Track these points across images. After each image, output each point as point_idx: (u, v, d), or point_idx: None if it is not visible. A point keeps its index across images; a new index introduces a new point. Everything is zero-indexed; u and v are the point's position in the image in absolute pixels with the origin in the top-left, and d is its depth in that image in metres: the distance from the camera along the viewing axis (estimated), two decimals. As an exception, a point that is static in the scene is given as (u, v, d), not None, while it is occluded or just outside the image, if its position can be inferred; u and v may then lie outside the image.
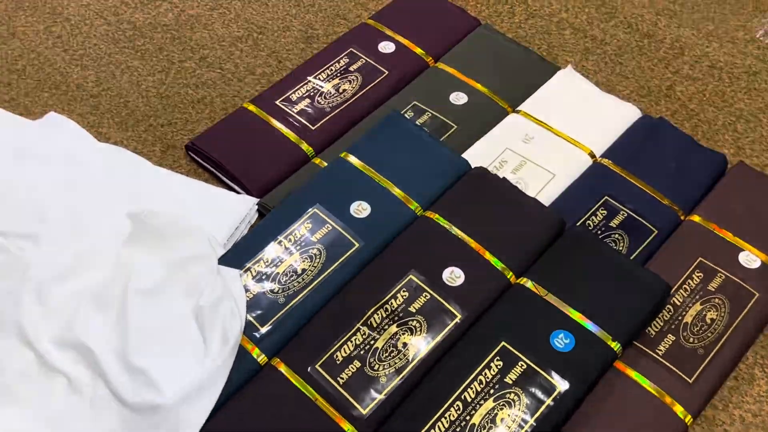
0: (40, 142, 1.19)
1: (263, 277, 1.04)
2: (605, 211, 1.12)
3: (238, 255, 1.06)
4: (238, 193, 1.18)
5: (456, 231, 1.07)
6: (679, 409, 0.94)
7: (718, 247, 1.08)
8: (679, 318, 1.01)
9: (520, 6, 1.47)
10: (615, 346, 0.96)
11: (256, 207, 1.15)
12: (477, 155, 1.20)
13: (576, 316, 0.98)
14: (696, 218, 1.11)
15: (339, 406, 0.93)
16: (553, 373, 0.94)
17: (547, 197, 1.15)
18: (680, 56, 1.38)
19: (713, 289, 1.04)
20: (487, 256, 1.05)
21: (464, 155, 1.20)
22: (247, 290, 1.03)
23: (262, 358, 0.98)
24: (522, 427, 0.90)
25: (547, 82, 1.30)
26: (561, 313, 0.99)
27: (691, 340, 0.99)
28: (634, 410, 0.94)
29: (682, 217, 1.13)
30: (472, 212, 1.09)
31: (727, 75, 1.35)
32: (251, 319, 1.01)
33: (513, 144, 1.21)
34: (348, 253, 1.06)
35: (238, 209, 1.13)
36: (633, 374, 0.97)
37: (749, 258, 1.07)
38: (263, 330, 1.00)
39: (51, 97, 1.34)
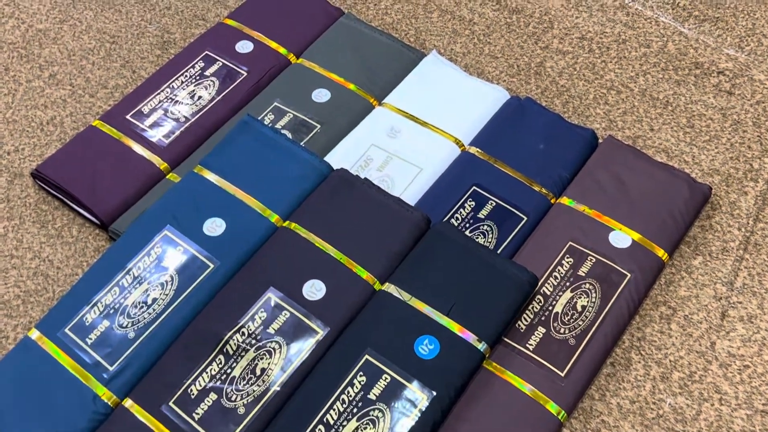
0: None
1: (111, 311, 0.96)
2: (473, 202, 1.07)
3: (84, 288, 0.99)
4: (91, 221, 1.10)
5: (316, 240, 1.01)
6: (552, 406, 0.90)
7: (588, 228, 1.04)
8: (549, 308, 0.97)
9: (386, -9, 1.41)
10: (482, 347, 0.92)
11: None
12: (341, 155, 1.14)
13: (441, 318, 0.93)
14: (566, 201, 1.07)
15: (196, 445, 0.87)
16: (418, 384, 0.89)
17: (414, 193, 1.10)
18: (549, 30, 1.34)
19: (583, 274, 1.00)
20: (350, 264, 0.99)
21: (328, 156, 1.14)
22: (93, 327, 0.96)
23: (113, 400, 0.91)
24: (386, 447, 0.85)
25: (412, 71, 1.24)
26: (425, 317, 0.94)
27: (562, 330, 0.95)
28: (505, 412, 0.90)
29: (553, 201, 1.09)
30: (333, 219, 1.03)
31: (597, 46, 1.31)
32: (99, 359, 0.93)
33: (378, 140, 1.15)
34: (202, 276, 0.99)
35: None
36: (504, 374, 0.92)
37: (619, 237, 1.03)
38: (112, 369, 0.93)
39: None
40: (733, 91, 1.24)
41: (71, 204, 1.12)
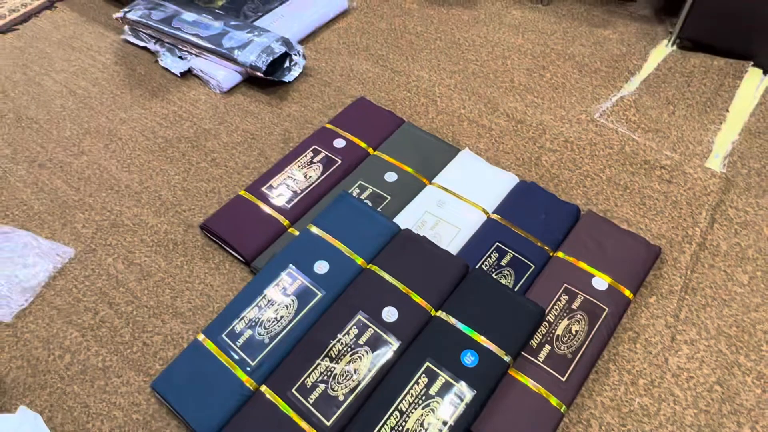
0: None
1: (253, 324, 0.93)
2: (497, 254, 1.02)
3: (235, 306, 0.96)
4: (239, 259, 1.08)
5: (390, 279, 0.97)
6: (555, 401, 0.84)
7: (577, 275, 0.99)
8: (552, 332, 0.92)
9: (432, 107, 1.38)
10: (507, 359, 0.86)
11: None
12: (404, 219, 1.10)
13: (478, 338, 0.88)
14: (560, 254, 1.02)
15: (310, 420, 0.83)
16: (464, 384, 0.84)
17: (455, 246, 1.05)
18: (543, 135, 1.29)
19: (576, 308, 0.94)
20: (414, 296, 0.95)
21: (395, 219, 1.10)
22: (241, 334, 0.92)
23: (253, 386, 0.88)
24: (442, 429, 0.80)
25: (452, 161, 1.21)
26: (468, 336, 0.89)
27: (562, 348, 0.89)
28: (522, 405, 0.84)
29: (551, 254, 1.03)
30: (402, 264, 0.99)
31: (576, 147, 1.26)
32: (244, 356, 0.90)
33: (430, 208, 1.11)
34: (313, 301, 0.95)
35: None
36: (521, 378, 0.87)
37: (599, 282, 0.97)
38: (253, 364, 0.89)
39: (108, 196, 1.23)
40: (671, 180, 1.18)
41: (225, 247, 1.10)
